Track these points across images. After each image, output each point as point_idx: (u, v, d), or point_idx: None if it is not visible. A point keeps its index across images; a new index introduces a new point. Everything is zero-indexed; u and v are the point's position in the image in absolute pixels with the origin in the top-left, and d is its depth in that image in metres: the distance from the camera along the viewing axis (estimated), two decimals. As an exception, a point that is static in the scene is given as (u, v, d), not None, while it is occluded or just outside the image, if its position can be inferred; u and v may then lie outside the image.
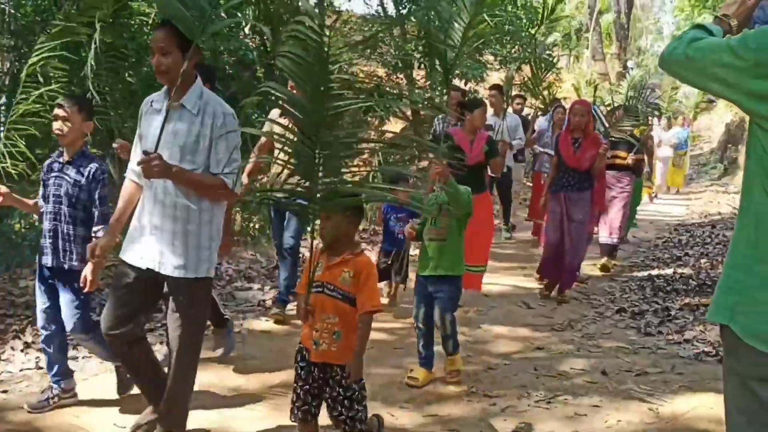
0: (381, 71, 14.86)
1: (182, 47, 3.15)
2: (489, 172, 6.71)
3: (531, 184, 11.66)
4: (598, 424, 3.93)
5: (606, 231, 8.27)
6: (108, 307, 3.41)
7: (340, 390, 3.05)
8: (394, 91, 9.42)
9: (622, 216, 8.32)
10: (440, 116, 8.24)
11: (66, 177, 3.79)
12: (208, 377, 4.38)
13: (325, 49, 2.59)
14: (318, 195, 2.86)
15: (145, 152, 3.13)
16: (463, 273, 4.57)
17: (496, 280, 7.39)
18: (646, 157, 11.04)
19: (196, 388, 3.51)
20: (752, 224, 1.89)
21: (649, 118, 10.43)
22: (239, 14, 11.59)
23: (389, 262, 6.03)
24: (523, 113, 10.07)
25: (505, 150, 6.97)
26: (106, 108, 6.65)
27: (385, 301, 5.99)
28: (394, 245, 6.03)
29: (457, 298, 4.56)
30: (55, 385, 3.95)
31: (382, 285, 6.26)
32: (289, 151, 2.91)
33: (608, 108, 8.72)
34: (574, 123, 6.75)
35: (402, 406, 4.12)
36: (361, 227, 9.04)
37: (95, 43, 5.76)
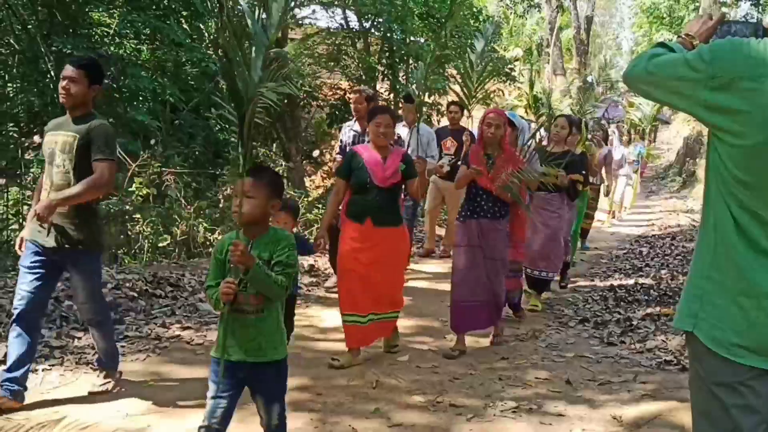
0: (345, 84, 14.93)
1: None
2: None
3: None
4: (562, 433, 3.96)
5: (532, 263, 6.72)
6: None
7: None
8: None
9: (555, 245, 6.85)
10: (347, 124, 7.42)
11: None
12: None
13: None
14: None
15: None
16: (286, 354, 3.07)
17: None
18: (604, 176, 11.03)
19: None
20: (711, 233, 1.94)
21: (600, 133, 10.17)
22: (201, 26, 11.55)
23: None
24: (461, 123, 8.67)
25: (423, 168, 5.35)
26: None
27: None
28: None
29: (284, 382, 3.10)
30: None
31: None
32: None
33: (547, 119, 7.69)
34: (487, 136, 5.44)
35: (368, 417, 4.09)
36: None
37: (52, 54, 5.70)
